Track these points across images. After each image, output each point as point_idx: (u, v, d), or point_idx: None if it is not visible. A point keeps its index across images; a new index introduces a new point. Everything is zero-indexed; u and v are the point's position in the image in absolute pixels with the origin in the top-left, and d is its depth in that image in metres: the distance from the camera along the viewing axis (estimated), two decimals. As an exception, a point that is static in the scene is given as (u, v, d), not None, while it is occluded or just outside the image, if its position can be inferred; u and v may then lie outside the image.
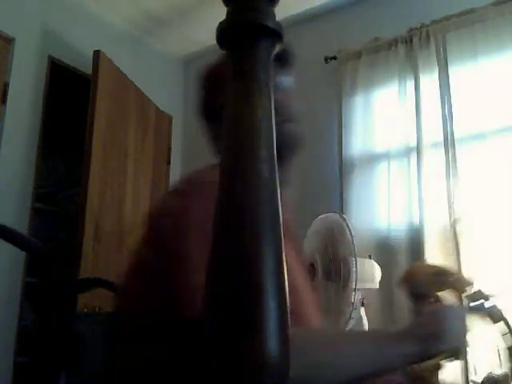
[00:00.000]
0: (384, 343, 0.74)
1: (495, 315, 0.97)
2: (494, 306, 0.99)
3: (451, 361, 0.86)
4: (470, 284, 0.99)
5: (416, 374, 0.87)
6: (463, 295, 0.99)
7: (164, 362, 0.73)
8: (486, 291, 1.00)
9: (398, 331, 0.78)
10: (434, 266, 1.11)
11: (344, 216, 1.99)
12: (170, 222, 0.77)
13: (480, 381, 1.92)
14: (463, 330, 0.89)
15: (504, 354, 1.00)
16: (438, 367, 0.90)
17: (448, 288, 0.99)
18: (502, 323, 0.97)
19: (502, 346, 0.99)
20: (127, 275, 0.84)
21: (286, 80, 1.00)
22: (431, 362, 0.83)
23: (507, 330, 0.98)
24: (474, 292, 0.99)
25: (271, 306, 0.31)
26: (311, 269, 1.81)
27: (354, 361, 0.70)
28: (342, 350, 0.71)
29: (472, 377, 2.09)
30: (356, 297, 1.76)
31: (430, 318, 0.83)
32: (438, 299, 0.97)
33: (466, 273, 2.19)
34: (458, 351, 0.85)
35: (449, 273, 1.02)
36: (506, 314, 0.99)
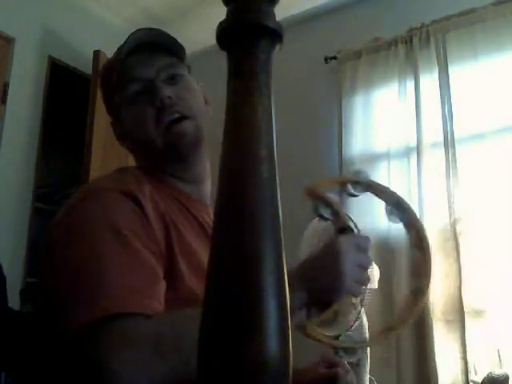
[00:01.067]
0: None
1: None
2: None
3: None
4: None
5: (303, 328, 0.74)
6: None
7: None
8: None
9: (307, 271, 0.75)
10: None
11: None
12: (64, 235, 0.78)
13: (480, 381, 1.93)
14: (362, 268, 0.78)
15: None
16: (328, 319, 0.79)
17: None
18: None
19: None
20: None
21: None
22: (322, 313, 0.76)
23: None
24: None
25: (271, 305, 0.31)
26: None
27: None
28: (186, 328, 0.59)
29: (472, 377, 2.09)
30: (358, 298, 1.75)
31: (324, 256, 0.77)
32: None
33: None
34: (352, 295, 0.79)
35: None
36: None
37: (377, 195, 0.87)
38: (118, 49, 0.93)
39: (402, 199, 0.87)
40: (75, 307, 0.67)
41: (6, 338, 0.86)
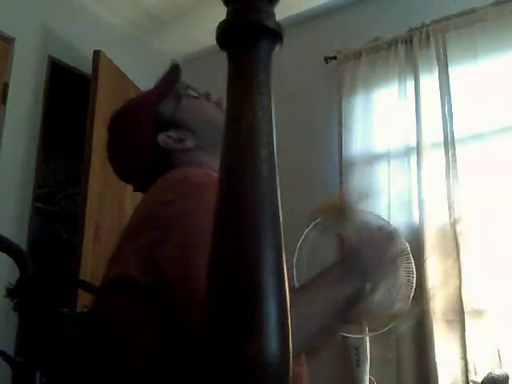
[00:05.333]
0: (332, 290, 0.79)
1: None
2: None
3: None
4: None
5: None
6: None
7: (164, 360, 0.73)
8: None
9: (337, 274, 0.83)
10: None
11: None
12: (177, 222, 0.76)
13: (480, 381, 1.93)
14: (390, 255, 0.88)
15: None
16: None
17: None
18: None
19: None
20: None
21: None
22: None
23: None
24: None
25: (271, 305, 0.31)
26: None
27: (313, 317, 0.75)
28: (304, 310, 0.73)
29: (472, 377, 2.09)
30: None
31: (359, 250, 0.85)
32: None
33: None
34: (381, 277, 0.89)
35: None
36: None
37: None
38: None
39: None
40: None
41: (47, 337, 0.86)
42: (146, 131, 0.99)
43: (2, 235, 0.84)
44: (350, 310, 0.84)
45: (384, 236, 0.88)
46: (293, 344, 0.62)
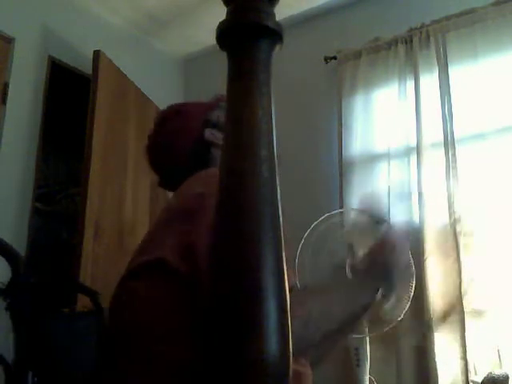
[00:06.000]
0: (356, 291, 0.89)
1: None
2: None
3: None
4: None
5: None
6: None
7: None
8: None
9: (361, 278, 0.93)
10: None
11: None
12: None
13: (480, 381, 1.93)
14: (406, 262, 0.99)
15: None
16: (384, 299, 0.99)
17: None
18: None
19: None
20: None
21: None
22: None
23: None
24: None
25: (271, 305, 0.31)
26: None
27: (339, 310, 0.85)
28: (332, 303, 0.85)
29: (472, 377, 2.09)
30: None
31: (381, 256, 0.92)
32: None
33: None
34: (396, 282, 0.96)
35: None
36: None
37: None
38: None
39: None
40: None
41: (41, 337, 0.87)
42: (196, 128, 1.15)
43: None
44: (363, 317, 0.91)
45: (402, 244, 0.94)
46: (316, 330, 0.69)
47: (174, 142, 1.16)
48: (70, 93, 2.89)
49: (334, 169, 2.75)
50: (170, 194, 1.09)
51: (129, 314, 0.83)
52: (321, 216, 2.04)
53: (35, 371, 0.88)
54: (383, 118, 2.63)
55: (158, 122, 1.22)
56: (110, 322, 0.87)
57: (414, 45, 2.58)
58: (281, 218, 0.34)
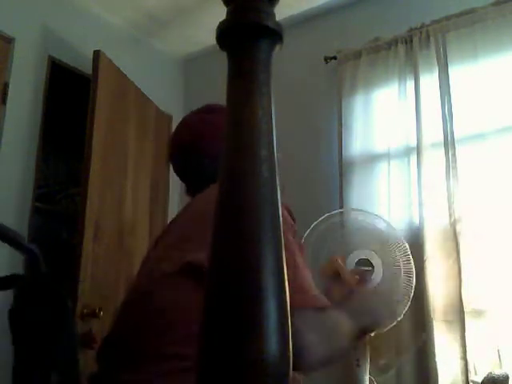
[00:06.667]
0: (351, 321, 0.97)
1: None
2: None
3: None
4: None
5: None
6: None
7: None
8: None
9: (353, 310, 1.03)
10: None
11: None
12: None
13: (480, 381, 1.94)
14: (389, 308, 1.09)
15: None
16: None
17: None
18: None
19: None
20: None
21: None
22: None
23: None
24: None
25: (271, 305, 0.31)
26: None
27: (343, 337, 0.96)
28: (338, 329, 0.95)
29: (472, 377, 2.09)
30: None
31: (369, 299, 1.11)
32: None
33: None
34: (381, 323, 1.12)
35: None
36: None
37: None
38: None
39: None
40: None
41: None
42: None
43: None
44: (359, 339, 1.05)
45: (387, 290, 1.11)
46: (329, 345, 0.75)
47: (210, 149, 1.14)
48: (70, 93, 2.89)
49: (334, 169, 2.75)
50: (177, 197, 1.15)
51: (169, 306, 0.89)
52: (321, 216, 2.04)
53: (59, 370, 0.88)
54: (383, 118, 2.63)
55: (189, 132, 1.19)
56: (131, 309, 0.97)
57: (414, 45, 2.58)
58: (281, 218, 0.34)
